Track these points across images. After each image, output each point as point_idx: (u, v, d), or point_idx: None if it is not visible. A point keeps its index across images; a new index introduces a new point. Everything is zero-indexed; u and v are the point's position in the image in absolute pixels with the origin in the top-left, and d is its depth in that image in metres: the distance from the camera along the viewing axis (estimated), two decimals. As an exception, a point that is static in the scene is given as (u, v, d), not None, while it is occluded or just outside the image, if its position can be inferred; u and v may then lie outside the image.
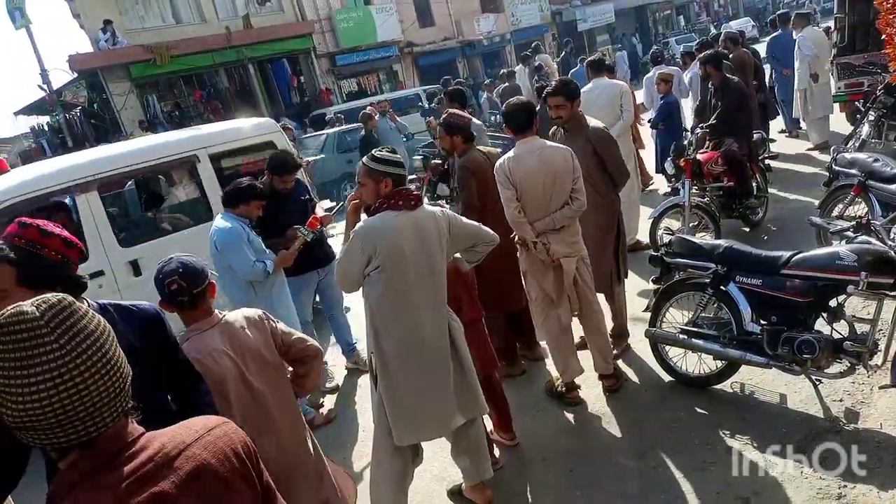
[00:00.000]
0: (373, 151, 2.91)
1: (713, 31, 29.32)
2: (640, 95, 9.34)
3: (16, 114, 21.89)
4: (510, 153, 3.73)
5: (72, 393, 1.03)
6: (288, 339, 2.55)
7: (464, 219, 3.03)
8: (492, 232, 3.07)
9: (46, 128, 20.89)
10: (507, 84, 11.88)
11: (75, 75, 18.47)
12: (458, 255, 3.05)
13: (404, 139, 11.22)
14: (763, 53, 9.59)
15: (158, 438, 1.19)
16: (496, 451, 3.54)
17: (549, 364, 4.32)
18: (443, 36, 26.20)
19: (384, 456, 2.95)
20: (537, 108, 4.40)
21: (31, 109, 20.99)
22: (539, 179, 3.61)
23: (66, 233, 1.96)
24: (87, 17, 17.46)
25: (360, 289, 2.88)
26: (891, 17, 3.60)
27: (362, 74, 23.41)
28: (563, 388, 4.00)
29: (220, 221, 3.97)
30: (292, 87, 21.12)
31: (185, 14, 19.09)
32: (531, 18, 28.37)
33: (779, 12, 10.33)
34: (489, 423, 3.58)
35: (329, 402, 4.77)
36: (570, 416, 3.91)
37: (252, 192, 4.00)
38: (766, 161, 7.03)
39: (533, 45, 15.91)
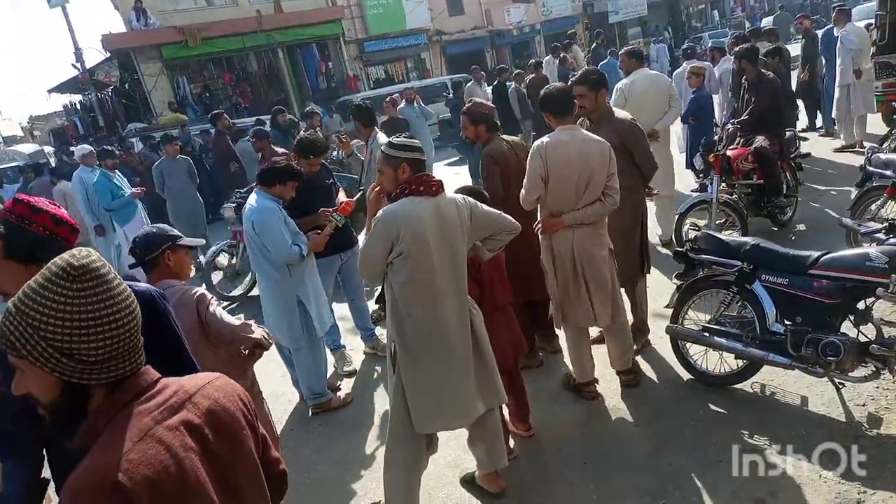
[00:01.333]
0: (390, 138, 2.90)
1: (748, 26, 28.80)
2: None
3: (49, 91, 22.30)
4: (549, 137, 3.66)
5: (135, 324, 1.25)
6: (214, 324, 2.84)
7: (485, 207, 3.00)
8: (513, 220, 3.04)
9: (79, 106, 21.25)
10: (534, 75, 11.78)
11: (108, 55, 18.74)
12: (478, 243, 3.03)
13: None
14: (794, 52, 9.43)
15: (176, 381, 1.33)
16: (511, 441, 3.54)
17: (567, 356, 4.29)
18: (472, 25, 26.06)
19: (399, 441, 2.95)
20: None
21: (64, 88, 21.37)
22: (574, 170, 3.55)
23: (60, 211, 2.01)
24: (121, -3, 17.69)
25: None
26: None
27: (390, 62, 23.43)
28: (580, 382, 3.98)
29: (256, 201, 3.95)
30: (320, 72, 21.21)
31: (216, -4, 19.27)
32: (562, 9, 28.09)
33: (834, 5, 10.13)
34: (506, 413, 3.58)
35: (346, 385, 4.81)
36: (586, 409, 3.89)
37: (290, 172, 4.01)
38: (798, 159, 6.88)
39: (569, 33, 15.75)
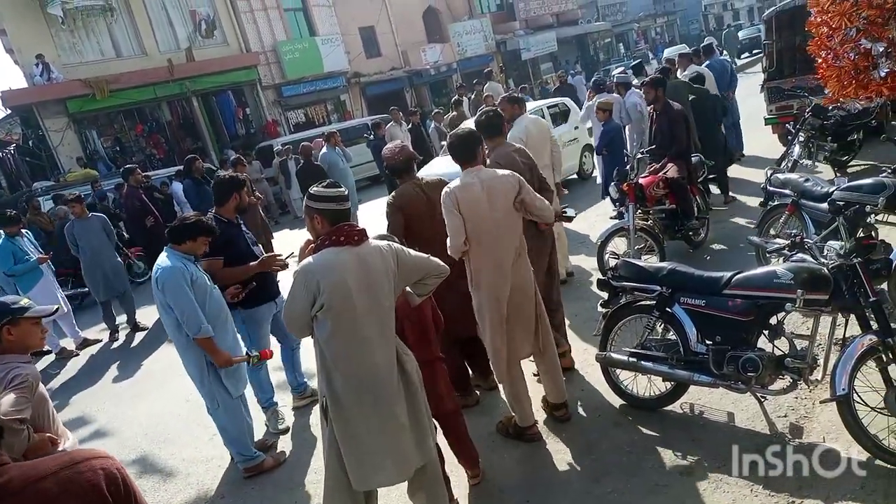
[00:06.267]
0: (311, 187, 2.86)
1: (651, 57, 30.51)
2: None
3: (-55, 152, 20.94)
4: (457, 181, 3.71)
5: None
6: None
7: (412, 251, 2.98)
8: (442, 263, 3.03)
9: (-22, 166, 20.05)
10: (454, 113, 12.00)
11: (9, 112, 17.86)
12: (407, 289, 3.00)
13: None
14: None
15: (13, 471, 1.26)
16: (452, 487, 3.47)
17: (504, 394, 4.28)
18: (390, 66, 26.41)
19: (337, 500, 2.84)
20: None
21: (-39, 148, 20.12)
22: (485, 207, 3.60)
23: None
24: (22, 52, 16.91)
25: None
26: (822, 43, 3.80)
27: (309, 105, 23.32)
28: (522, 426, 3.95)
29: (163, 259, 3.86)
30: (238, 118, 20.86)
31: (125, 47, 18.70)
32: (476, 48, 28.88)
33: (703, 44, 10.95)
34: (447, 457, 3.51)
35: (280, 443, 4.62)
36: (524, 446, 3.87)
37: (199, 227, 3.92)
38: (725, 184, 7.22)
39: (485, 71, 16.10)
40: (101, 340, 8.38)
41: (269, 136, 19.58)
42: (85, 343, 8.28)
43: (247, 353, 4.16)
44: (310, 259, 2.70)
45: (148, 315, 8.64)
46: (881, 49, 3.57)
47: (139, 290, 9.84)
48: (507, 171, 3.78)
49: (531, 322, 3.80)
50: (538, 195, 3.84)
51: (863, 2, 3.50)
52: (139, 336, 8.31)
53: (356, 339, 2.69)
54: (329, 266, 2.64)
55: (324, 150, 11.52)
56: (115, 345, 8.17)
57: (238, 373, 4.16)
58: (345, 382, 2.70)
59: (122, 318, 8.52)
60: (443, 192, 3.69)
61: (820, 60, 3.90)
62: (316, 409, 4.73)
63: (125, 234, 11.08)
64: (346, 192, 2.90)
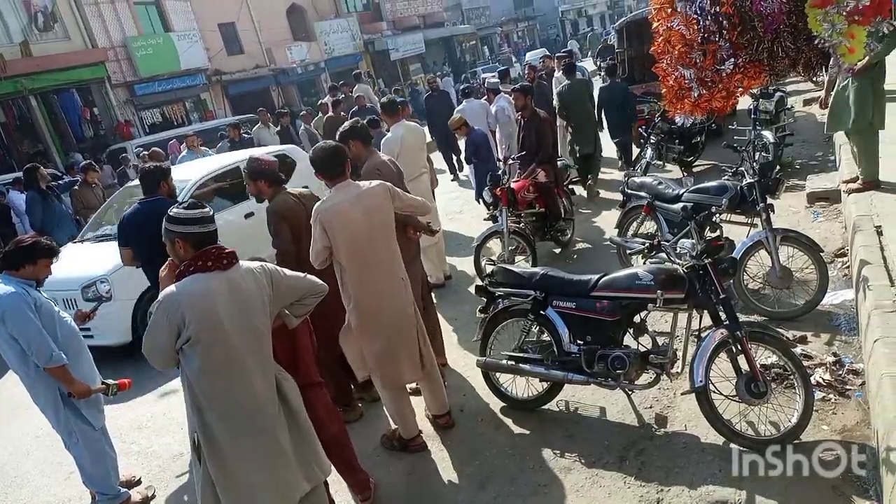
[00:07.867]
0: (170, 209, 2.65)
1: (514, 60, 31.67)
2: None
3: None
4: (328, 203, 3.53)
5: None
6: None
7: (287, 271, 2.84)
8: (319, 281, 2.92)
9: None
10: (331, 114, 11.65)
11: None
12: (284, 310, 2.87)
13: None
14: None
15: None
16: (338, 506, 3.40)
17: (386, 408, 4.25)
18: (254, 64, 25.41)
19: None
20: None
21: None
22: (357, 227, 3.49)
23: None
24: None
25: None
26: (663, 61, 4.20)
27: (166, 104, 21.90)
28: (406, 438, 3.92)
29: (1, 286, 3.48)
30: (85, 119, 19.14)
31: (-56, 39, 16.60)
32: (344, 47, 28.53)
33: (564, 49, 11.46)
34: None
35: (146, 477, 4.29)
36: (410, 458, 3.86)
37: (37, 249, 3.56)
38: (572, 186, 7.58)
39: (354, 73, 15.82)
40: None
41: (122, 138, 18.14)
42: None
43: (103, 383, 3.82)
44: (172, 287, 2.48)
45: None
46: (691, 75, 4.05)
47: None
48: (375, 183, 3.70)
49: (415, 344, 3.77)
50: (408, 193, 3.88)
51: (675, 34, 3.96)
52: None
53: (231, 372, 2.52)
54: (195, 295, 2.45)
55: (183, 153, 10.89)
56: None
57: (98, 402, 3.84)
58: (219, 419, 2.52)
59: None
60: (314, 210, 3.52)
61: (661, 79, 4.40)
62: (185, 439, 4.47)
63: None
64: (211, 212, 2.70)
